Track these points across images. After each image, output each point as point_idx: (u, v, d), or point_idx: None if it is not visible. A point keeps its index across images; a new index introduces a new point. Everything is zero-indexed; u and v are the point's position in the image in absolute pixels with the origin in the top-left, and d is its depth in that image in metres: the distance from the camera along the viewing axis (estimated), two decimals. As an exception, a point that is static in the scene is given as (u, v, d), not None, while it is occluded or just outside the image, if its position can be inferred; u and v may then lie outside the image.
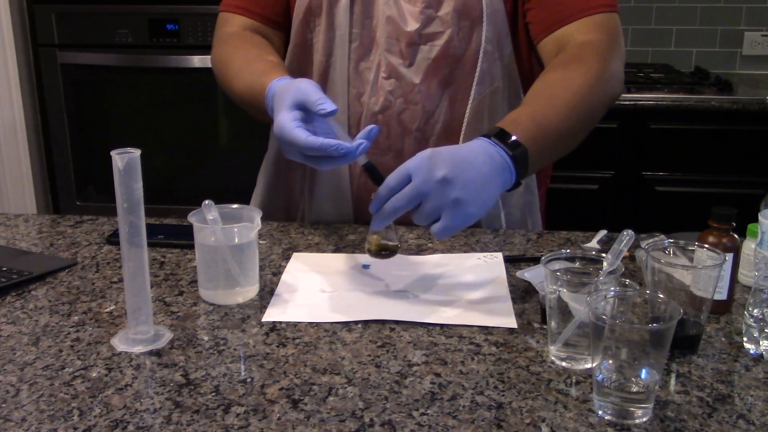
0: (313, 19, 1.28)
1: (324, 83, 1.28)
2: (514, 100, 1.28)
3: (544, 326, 0.95)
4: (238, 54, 1.26)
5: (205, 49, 2.78)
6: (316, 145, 0.96)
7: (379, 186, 0.97)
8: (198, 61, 2.54)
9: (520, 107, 1.09)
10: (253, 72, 1.17)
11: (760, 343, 0.90)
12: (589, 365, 0.86)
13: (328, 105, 0.98)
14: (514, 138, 0.99)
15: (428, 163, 0.93)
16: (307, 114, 1.00)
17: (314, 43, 1.29)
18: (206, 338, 0.94)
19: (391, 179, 0.95)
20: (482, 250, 1.20)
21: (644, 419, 0.78)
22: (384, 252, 1.06)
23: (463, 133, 1.26)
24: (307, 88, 1.01)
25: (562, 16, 1.19)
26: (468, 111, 1.25)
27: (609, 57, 1.15)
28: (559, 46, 1.19)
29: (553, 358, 0.89)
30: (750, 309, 0.92)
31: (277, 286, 1.08)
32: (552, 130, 1.06)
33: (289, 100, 1.01)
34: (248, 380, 0.85)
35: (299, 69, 1.31)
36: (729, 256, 0.96)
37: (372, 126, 1.00)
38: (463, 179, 0.93)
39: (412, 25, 1.22)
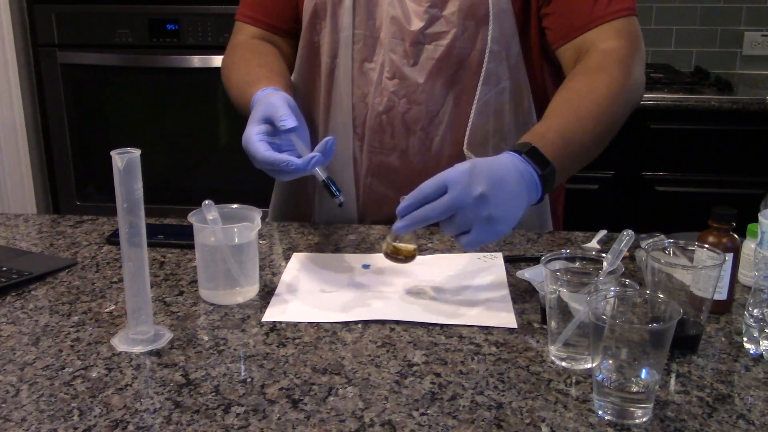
0: (318, 22, 1.29)
1: (330, 84, 1.30)
2: (520, 100, 1.27)
3: (544, 326, 0.95)
4: (240, 63, 1.30)
5: (205, 49, 2.77)
6: (269, 160, 1.03)
7: (334, 199, 1.04)
8: (198, 61, 2.54)
9: (546, 119, 1.10)
10: (246, 82, 1.22)
11: (760, 343, 0.90)
12: (589, 365, 0.86)
13: (289, 122, 1.05)
14: (544, 156, 1.00)
15: (468, 179, 0.94)
16: (275, 128, 1.06)
17: (320, 45, 1.30)
18: (206, 338, 0.94)
19: (427, 187, 0.95)
20: (482, 250, 1.20)
21: (644, 419, 0.78)
22: (400, 257, 1.04)
23: (467, 133, 1.25)
24: (276, 103, 1.07)
25: (582, 23, 1.18)
26: (473, 111, 1.24)
27: (631, 64, 1.16)
28: (579, 52, 1.19)
29: (553, 358, 0.89)
30: (750, 309, 0.92)
31: (277, 286, 1.08)
32: (578, 143, 1.08)
33: (260, 113, 1.08)
34: (248, 380, 0.85)
35: (308, 71, 1.33)
36: (729, 256, 0.96)
37: (328, 138, 1.05)
38: (497, 198, 0.94)
39: (417, 25, 1.22)
